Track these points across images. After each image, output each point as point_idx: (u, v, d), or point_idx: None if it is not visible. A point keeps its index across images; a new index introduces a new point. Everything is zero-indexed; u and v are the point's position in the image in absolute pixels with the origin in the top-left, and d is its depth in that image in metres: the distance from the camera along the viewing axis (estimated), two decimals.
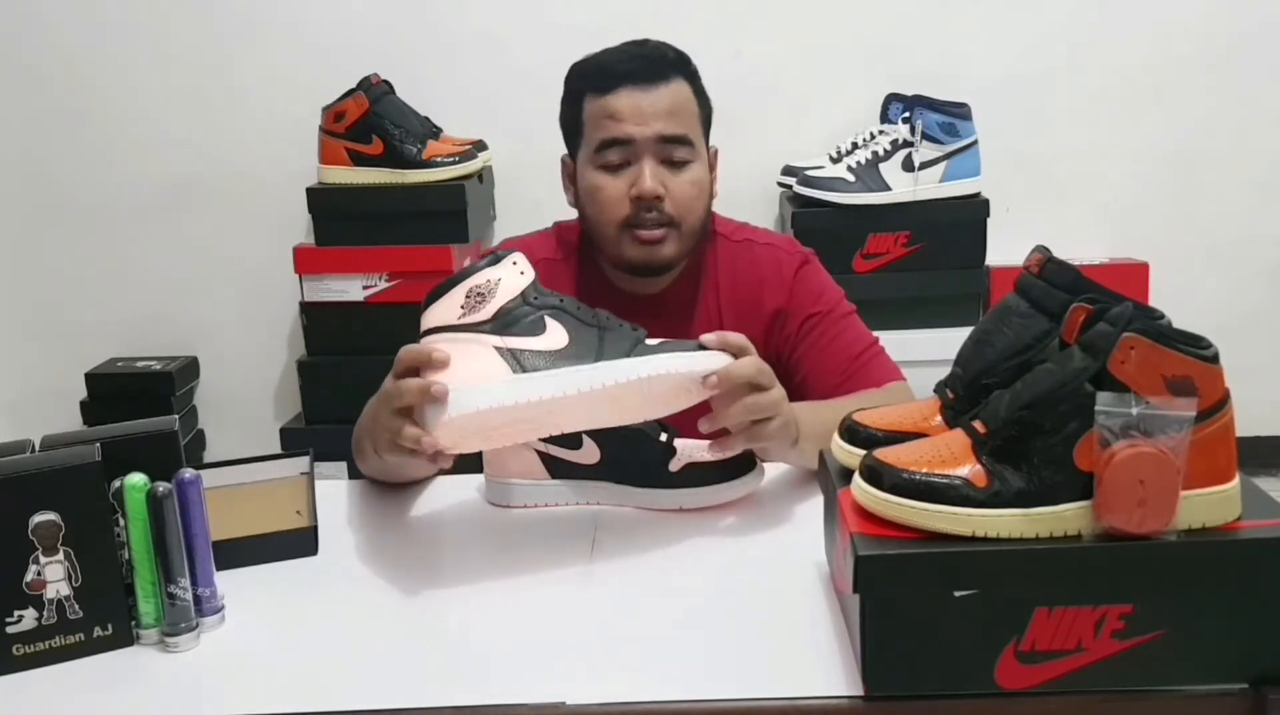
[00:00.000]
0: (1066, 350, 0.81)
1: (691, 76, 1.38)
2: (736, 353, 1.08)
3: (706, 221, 1.40)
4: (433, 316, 1.04)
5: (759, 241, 1.46)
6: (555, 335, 1.03)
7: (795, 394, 1.36)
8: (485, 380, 1.00)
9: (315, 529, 1.11)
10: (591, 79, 1.36)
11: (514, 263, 1.05)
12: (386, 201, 2.33)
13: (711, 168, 1.41)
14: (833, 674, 0.85)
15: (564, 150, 1.44)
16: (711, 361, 1.06)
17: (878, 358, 1.39)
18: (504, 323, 1.03)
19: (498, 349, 1.02)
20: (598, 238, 1.38)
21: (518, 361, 1.01)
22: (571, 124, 1.40)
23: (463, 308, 1.02)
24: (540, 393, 0.99)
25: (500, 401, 0.99)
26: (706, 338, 1.07)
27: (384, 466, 1.22)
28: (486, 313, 1.03)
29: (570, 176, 1.42)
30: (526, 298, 1.04)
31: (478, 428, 1.01)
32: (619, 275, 1.41)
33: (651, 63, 1.35)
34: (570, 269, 1.42)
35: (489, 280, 1.03)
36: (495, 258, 1.06)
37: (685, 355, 1.05)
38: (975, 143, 2.35)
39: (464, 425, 1.00)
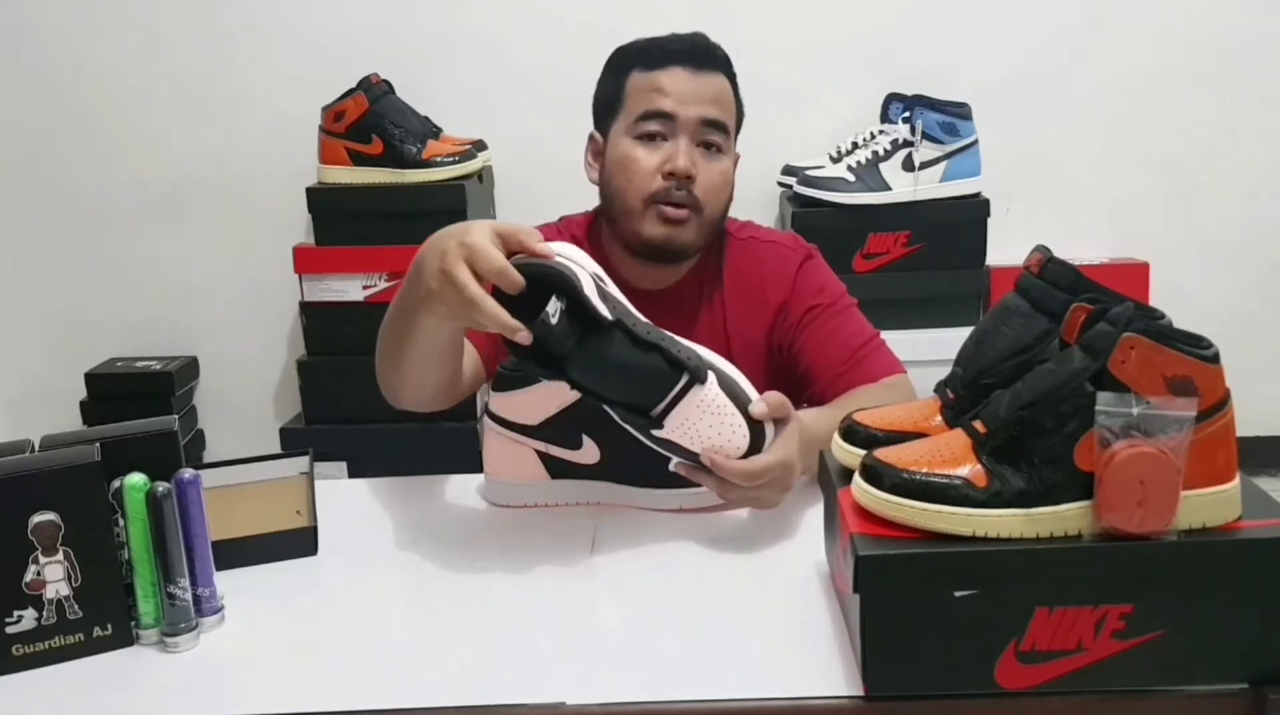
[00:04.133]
0: (1066, 350, 0.81)
1: (733, 78, 1.41)
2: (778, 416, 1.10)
3: (723, 218, 1.41)
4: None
5: (762, 239, 1.47)
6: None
7: (798, 384, 1.37)
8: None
9: (315, 529, 1.11)
10: (642, 55, 1.38)
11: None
12: (386, 201, 2.33)
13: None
14: (833, 674, 0.85)
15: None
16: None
17: (879, 351, 1.39)
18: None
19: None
20: (619, 212, 1.37)
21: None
22: (610, 97, 1.40)
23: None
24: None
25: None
26: (755, 409, 1.07)
27: (410, 368, 1.21)
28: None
29: (597, 153, 1.42)
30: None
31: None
32: (629, 267, 1.40)
33: (703, 50, 1.37)
34: None
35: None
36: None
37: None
38: (975, 143, 2.35)
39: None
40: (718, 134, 1.35)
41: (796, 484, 1.13)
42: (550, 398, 1.11)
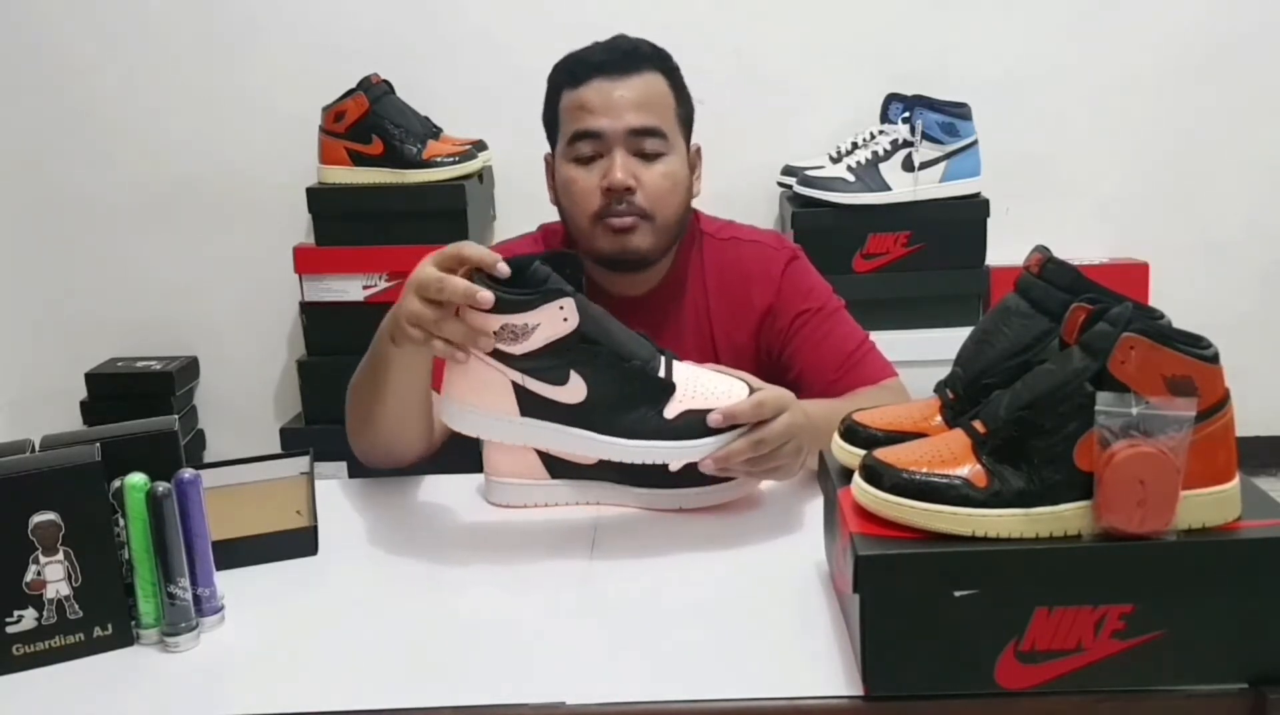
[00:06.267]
0: (1066, 350, 0.81)
1: (669, 72, 1.38)
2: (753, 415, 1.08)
3: (684, 218, 1.40)
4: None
5: (745, 238, 1.46)
6: (574, 389, 1.04)
7: (791, 390, 1.37)
8: (490, 410, 1.05)
9: (315, 529, 1.11)
10: (566, 73, 1.37)
11: (560, 308, 1.01)
12: (386, 201, 2.33)
13: (693, 167, 1.41)
14: (833, 674, 0.85)
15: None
16: (717, 445, 1.07)
17: (870, 355, 1.39)
18: (530, 365, 1.03)
19: (515, 385, 1.05)
20: (574, 232, 1.38)
21: (529, 404, 1.05)
22: (550, 120, 1.41)
23: (496, 333, 1.02)
24: (535, 442, 1.09)
25: (498, 436, 1.08)
26: (712, 418, 1.06)
27: (383, 423, 1.22)
28: (516, 350, 1.02)
29: (552, 175, 1.42)
30: (561, 346, 1.02)
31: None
32: (605, 277, 1.40)
33: (623, 54, 1.35)
34: None
35: (525, 325, 1.01)
36: (545, 293, 1.01)
37: (694, 445, 1.07)
38: (975, 143, 2.35)
39: (460, 429, 1.09)
40: (651, 140, 1.33)
41: (808, 435, 1.13)
42: None
